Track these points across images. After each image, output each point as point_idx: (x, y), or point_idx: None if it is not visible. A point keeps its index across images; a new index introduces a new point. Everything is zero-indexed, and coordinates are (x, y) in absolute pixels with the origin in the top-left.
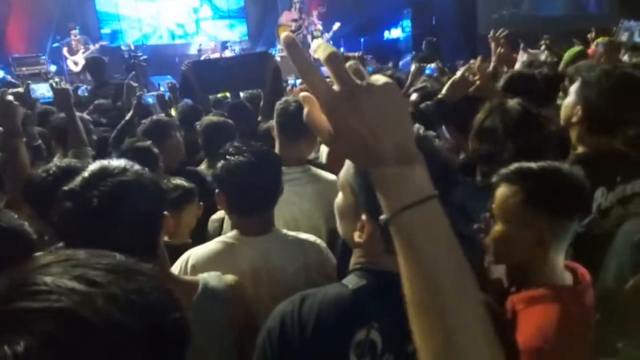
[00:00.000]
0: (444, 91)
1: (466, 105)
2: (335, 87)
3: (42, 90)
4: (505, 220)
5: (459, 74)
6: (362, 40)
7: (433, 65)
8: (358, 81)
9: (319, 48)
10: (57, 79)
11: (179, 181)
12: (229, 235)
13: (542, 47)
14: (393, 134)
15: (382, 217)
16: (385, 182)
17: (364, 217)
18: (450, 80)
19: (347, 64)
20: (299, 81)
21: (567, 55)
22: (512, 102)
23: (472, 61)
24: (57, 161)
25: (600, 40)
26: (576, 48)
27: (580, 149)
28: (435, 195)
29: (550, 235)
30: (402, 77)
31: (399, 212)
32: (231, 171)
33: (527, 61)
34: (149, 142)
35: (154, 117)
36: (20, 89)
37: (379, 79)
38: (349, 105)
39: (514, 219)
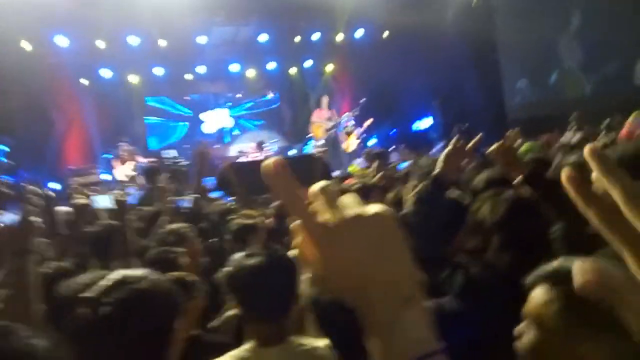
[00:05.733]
0: (437, 167)
1: None
2: (323, 219)
3: (104, 202)
4: (542, 329)
5: (450, 145)
6: (393, 132)
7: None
8: (348, 211)
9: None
10: (118, 192)
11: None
12: (244, 348)
13: (573, 128)
14: (384, 270)
15: None
16: (375, 328)
17: None
18: (444, 153)
19: (343, 196)
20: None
21: None
22: (508, 192)
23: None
24: (84, 276)
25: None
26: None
27: None
28: (436, 352)
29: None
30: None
31: None
32: (240, 272)
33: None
34: (173, 254)
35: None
36: (86, 201)
37: (371, 208)
38: (336, 237)
39: (553, 328)
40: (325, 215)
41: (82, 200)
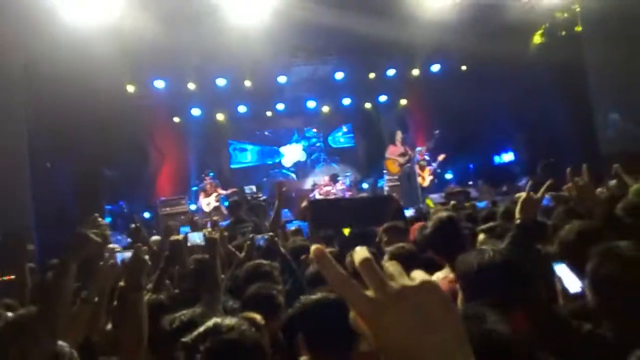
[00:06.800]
0: (517, 215)
1: None
2: (369, 293)
3: (195, 238)
4: None
5: (524, 193)
6: (470, 166)
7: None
8: (393, 284)
9: (355, 253)
10: (209, 229)
11: None
12: None
13: None
14: (434, 340)
15: None
16: None
17: None
18: (520, 201)
19: (386, 265)
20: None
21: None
22: (624, 244)
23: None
24: (183, 313)
25: None
26: None
27: None
28: None
29: None
30: None
31: None
32: (307, 307)
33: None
34: (274, 291)
35: None
36: (180, 237)
37: (416, 278)
38: (383, 313)
39: None
40: (372, 289)
41: (177, 237)
